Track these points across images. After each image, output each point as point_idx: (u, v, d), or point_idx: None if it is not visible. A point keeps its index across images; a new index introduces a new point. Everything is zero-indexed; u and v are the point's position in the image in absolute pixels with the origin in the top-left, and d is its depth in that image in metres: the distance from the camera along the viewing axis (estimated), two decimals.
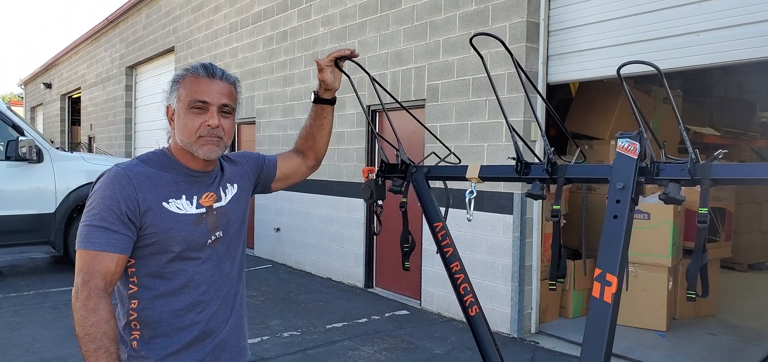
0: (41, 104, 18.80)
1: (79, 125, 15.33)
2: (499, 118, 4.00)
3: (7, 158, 5.25)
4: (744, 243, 5.99)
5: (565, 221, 4.28)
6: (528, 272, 3.94)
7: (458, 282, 1.21)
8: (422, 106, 4.64)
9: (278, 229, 6.45)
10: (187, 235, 1.14)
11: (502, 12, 4.00)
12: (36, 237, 5.45)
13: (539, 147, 3.83)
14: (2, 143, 5.30)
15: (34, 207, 5.38)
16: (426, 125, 4.48)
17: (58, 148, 5.92)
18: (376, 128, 5.07)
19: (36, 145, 5.35)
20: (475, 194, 1.21)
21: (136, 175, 1.12)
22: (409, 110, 1.49)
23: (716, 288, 4.47)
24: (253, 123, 6.93)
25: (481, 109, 4.16)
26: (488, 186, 4.02)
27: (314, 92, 1.37)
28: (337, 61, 1.33)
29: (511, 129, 1.14)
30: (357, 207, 5.27)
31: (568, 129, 5.56)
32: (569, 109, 5.02)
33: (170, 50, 9.25)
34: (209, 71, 1.15)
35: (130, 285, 1.14)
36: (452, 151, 1.38)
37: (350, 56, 1.31)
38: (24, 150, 5.22)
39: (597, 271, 0.93)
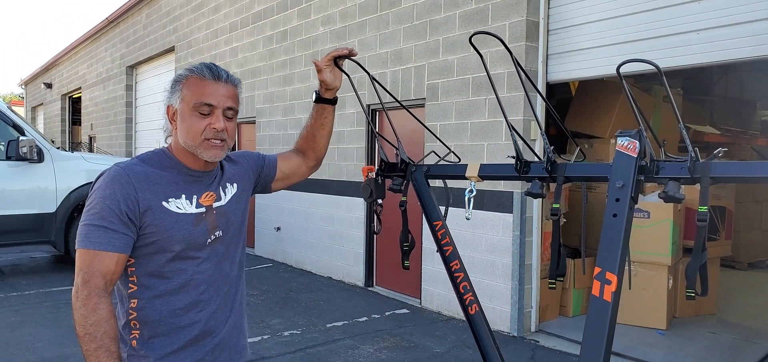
0: (42, 104, 18.81)
1: (80, 125, 15.34)
2: (498, 116, 4.00)
3: (8, 158, 5.25)
4: (744, 242, 5.99)
5: (565, 220, 4.28)
6: (528, 271, 3.95)
7: (458, 281, 1.21)
8: (422, 105, 4.64)
9: (278, 228, 6.46)
10: (187, 235, 1.14)
11: (502, 11, 4.00)
12: (37, 236, 5.46)
13: (539, 146, 3.83)
14: (3, 143, 5.31)
15: (35, 206, 5.39)
16: (426, 124, 4.48)
17: (58, 148, 5.92)
18: (376, 127, 5.07)
19: (37, 145, 5.35)
20: (474, 193, 1.21)
21: (135, 175, 1.12)
22: (409, 109, 1.49)
23: (716, 286, 4.47)
24: (254, 122, 6.93)
25: (480, 108, 4.16)
26: (488, 185, 4.02)
27: (315, 92, 1.37)
28: (337, 61, 1.33)
29: (511, 128, 1.14)
30: (357, 206, 5.28)
31: (567, 128, 5.55)
32: (569, 107, 5.02)
33: (170, 50, 9.25)
34: (214, 73, 1.14)
35: (130, 285, 1.14)
36: (452, 149, 1.38)
37: (349, 55, 1.31)
38: (25, 150, 5.22)
39: (597, 270, 0.93)
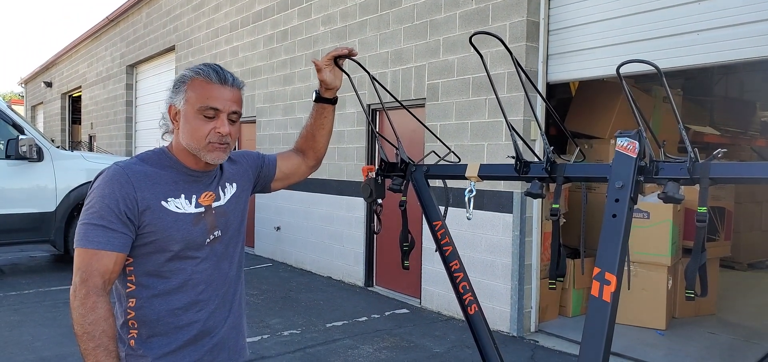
0: (42, 103, 18.80)
1: (80, 124, 15.33)
2: (499, 117, 4.00)
3: (8, 157, 5.25)
4: (744, 242, 5.99)
5: (565, 220, 4.28)
6: (528, 271, 3.95)
7: (457, 281, 1.21)
8: (422, 105, 4.64)
9: (278, 228, 6.46)
10: (186, 234, 1.13)
11: (502, 11, 4.00)
12: (36, 235, 5.46)
13: (539, 146, 3.83)
14: (2, 142, 5.30)
15: (35, 205, 5.39)
16: (426, 124, 4.48)
17: (58, 147, 5.92)
18: (377, 127, 5.07)
19: (36, 144, 5.35)
20: (474, 193, 1.21)
21: (135, 174, 1.12)
22: (409, 109, 1.49)
23: (716, 287, 4.47)
24: (254, 122, 6.93)
25: (481, 108, 4.16)
26: (488, 185, 4.02)
27: (315, 91, 1.37)
28: (337, 60, 1.33)
29: (511, 128, 1.14)
30: (357, 206, 5.28)
31: (568, 128, 5.53)
32: (569, 108, 5.02)
33: (171, 49, 9.25)
34: (221, 77, 1.13)
35: (128, 284, 1.14)
36: (452, 149, 1.38)
37: (349, 55, 1.31)
38: (24, 149, 5.22)
39: (596, 270, 0.93)
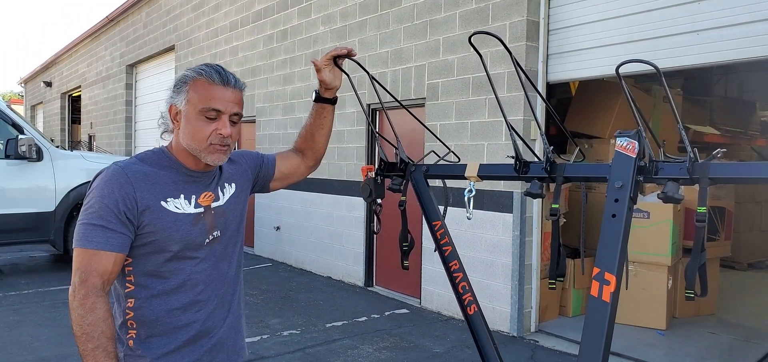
0: (41, 102, 18.80)
1: (80, 124, 15.33)
2: (499, 116, 4.00)
3: (7, 156, 5.25)
4: (744, 242, 5.99)
5: (565, 220, 4.28)
6: (528, 271, 3.94)
7: (457, 281, 1.21)
8: (422, 105, 4.64)
9: (278, 228, 6.45)
10: (185, 235, 1.13)
11: (502, 11, 3.99)
12: (36, 235, 5.45)
13: (539, 146, 3.83)
14: (2, 141, 5.30)
15: (34, 205, 5.38)
16: (426, 124, 4.48)
17: (58, 147, 5.91)
18: (376, 127, 5.07)
19: (36, 144, 5.34)
20: (474, 193, 1.21)
21: (134, 174, 1.12)
22: (409, 109, 1.49)
23: (716, 286, 4.47)
24: (254, 122, 6.92)
25: (481, 108, 4.16)
26: (488, 185, 4.02)
27: (315, 91, 1.37)
28: (336, 60, 1.33)
29: (510, 128, 1.14)
30: (357, 205, 5.27)
31: (568, 128, 5.54)
32: (569, 107, 5.01)
33: (170, 49, 9.25)
34: (224, 78, 1.13)
35: (127, 284, 1.14)
36: (451, 149, 1.38)
37: (348, 55, 1.31)
38: (24, 148, 5.21)
39: (595, 270, 0.93)
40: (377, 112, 5.11)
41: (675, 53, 3.27)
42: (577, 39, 3.80)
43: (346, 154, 5.42)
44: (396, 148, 1.34)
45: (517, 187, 3.89)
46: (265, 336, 3.80)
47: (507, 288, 3.95)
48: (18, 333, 3.79)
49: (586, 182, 1.13)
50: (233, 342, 1.25)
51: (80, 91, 14.67)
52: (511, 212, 3.91)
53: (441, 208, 1.28)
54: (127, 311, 1.14)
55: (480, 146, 4.15)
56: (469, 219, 1.21)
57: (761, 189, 6.22)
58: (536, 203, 3.96)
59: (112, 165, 1.13)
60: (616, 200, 0.93)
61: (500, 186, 3.98)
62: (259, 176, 1.36)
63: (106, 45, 12.46)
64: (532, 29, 3.89)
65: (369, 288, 5.17)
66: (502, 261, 3.98)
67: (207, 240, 1.17)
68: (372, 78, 1.35)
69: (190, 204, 1.15)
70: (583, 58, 3.79)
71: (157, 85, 10.07)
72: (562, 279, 1.10)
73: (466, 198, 1.20)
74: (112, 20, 11.75)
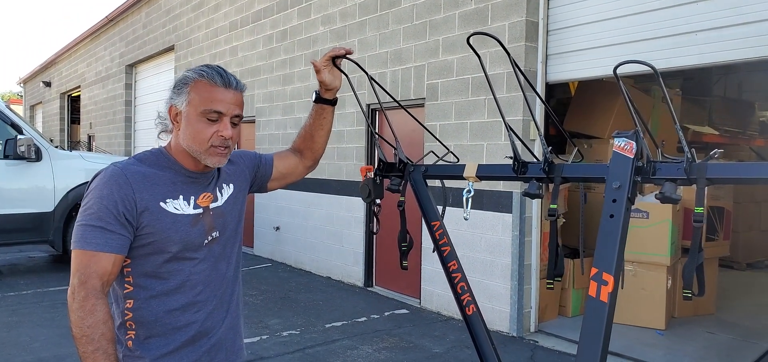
0: (40, 102, 18.78)
1: (79, 124, 15.32)
2: (498, 117, 4.00)
3: (6, 157, 5.24)
4: (743, 242, 6.00)
5: (564, 220, 4.28)
6: (527, 271, 3.95)
7: (455, 281, 1.21)
8: (422, 105, 4.64)
9: (278, 228, 6.45)
10: (184, 236, 1.13)
11: (502, 11, 4.00)
12: (35, 236, 5.44)
13: (538, 146, 3.83)
14: (1, 142, 5.29)
15: (33, 206, 5.37)
16: (426, 124, 4.48)
17: (57, 147, 5.90)
18: (376, 127, 5.08)
19: (35, 144, 5.34)
20: (472, 193, 1.21)
21: (133, 175, 1.11)
22: (408, 109, 1.49)
23: (715, 286, 4.47)
24: (253, 122, 6.92)
25: (480, 108, 4.16)
26: (488, 185, 4.02)
27: (315, 92, 1.37)
28: (335, 60, 1.33)
29: (508, 128, 1.14)
30: (357, 206, 5.27)
31: (567, 128, 5.51)
32: (568, 108, 5.02)
33: (170, 49, 9.24)
34: (225, 80, 1.12)
35: (126, 285, 1.14)
36: (450, 149, 1.38)
37: (346, 55, 1.31)
38: (22, 148, 5.21)
39: (593, 270, 0.93)
40: (377, 113, 5.12)
41: (674, 54, 3.27)
42: (576, 39, 3.81)
43: (346, 154, 5.42)
44: (395, 149, 1.34)
45: (516, 187, 3.89)
46: (264, 337, 3.80)
47: (506, 288, 3.95)
48: (17, 333, 3.79)
49: (585, 182, 1.14)
50: (232, 343, 1.25)
51: (79, 91, 14.66)
52: (511, 212, 3.91)
53: (440, 208, 1.28)
54: (125, 312, 1.14)
55: (479, 146, 4.15)
56: (466, 219, 1.21)
57: (760, 189, 6.22)
58: (536, 203, 3.96)
59: (111, 166, 1.13)
60: (614, 200, 0.94)
61: (500, 186, 3.99)
62: (257, 176, 1.36)
63: (106, 45, 12.45)
64: (532, 30, 3.90)
65: (368, 289, 5.17)
66: (501, 261, 3.98)
67: (206, 241, 1.17)
68: (371, 78, 1.35)
69: (189, 205, 1.15)
70: (582, 59, 3.79)
71: (156, 85, 10.07)
72: (559, 279, 1.10)
73: (464, 199, 1.20)
74: (112, 20, 11.75)
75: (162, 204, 1.12)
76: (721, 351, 3.67)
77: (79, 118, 14.98)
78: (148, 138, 10.41)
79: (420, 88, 4.64)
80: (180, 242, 1.13)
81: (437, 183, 1.35)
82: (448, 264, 1.22)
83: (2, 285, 5.17)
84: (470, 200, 1.20)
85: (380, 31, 5.04)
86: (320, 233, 5.78)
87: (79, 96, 14.91)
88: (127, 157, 1.25)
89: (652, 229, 3.88)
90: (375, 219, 1.38)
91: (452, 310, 4.33)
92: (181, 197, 1.15)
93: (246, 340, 3.63)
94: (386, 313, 4.44)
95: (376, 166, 1.38)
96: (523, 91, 1.14)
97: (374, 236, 5.15)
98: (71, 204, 5.51)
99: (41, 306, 4.47)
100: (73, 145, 15.30)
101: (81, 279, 1.04)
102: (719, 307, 4.48)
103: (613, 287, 0.91)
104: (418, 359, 3.45)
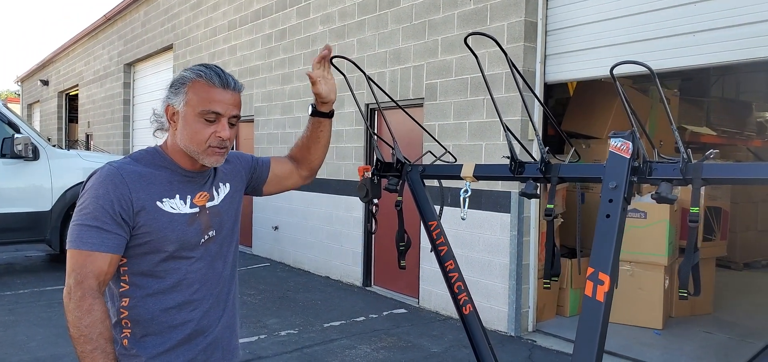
0: (38, 101, 18.73)
1: (77, 122, 15.28)
2: (497, 116, 4.00)
3: (3, 156, 5.23)
4: (740, 242, 6.02)
5: (562, 220, 4.29)
6: (525, 271, 3.95)
7: (452, 281, 1.21)
8: (421, 105, 4.64)
9: (276, 227, 6.45)
10: (181, 235, 1.13)
11: (500, 11, 4.00)
12: (32, 235, 5.43)
13: (536, 146, 3.83)
14: None
15: (30, 205, 5.36)
16: (425, 124, 4.49)
17: (54, 146, 5.89)
18: (375, 127, 5.08)
19: (32, 143, 5.32)
20: (469, 193, 1.21)
21: (129, 174, 1.11)
22: (406, 108, 1.50)
23: (712, 286, 4.49)
24: (252, 121, 6.92)
25: (479, 108, 4.16)
26: (486, 185, 4.02)
27: (312, 105, 1.35)
28: (332, 61, 1.32)
29: (505, 128, 1.14)
30: (356, 205, 5.27)
31: (566, 128, 5.52)
32: (567, 108, 5.03)
33: (169, 48, 9.23)
34: (223, 81, 1.12)
35: (122, 284, 1.14)
36: (448, 149, 1.38)
37: (330, 56, 1.28)
38: (20, 147, 5.19)
39: (590, 270, 0.93)
40: (375, 113, 5.12)
41: (672, 54, 3.28)
42: (574, 40, 3.81)
43: (345, 154, 5.42)
44: (392, 148, 1.34)
45: (514, 187, 3.90)
46: (262, 336, 3.79)
47: (504, 288, 3.96)
48: (13, 332, 3.78)
49: (582, 182, 1.14)
50: (228, 342, 1.25)
51: (77, 90, 14.62)
52: (509, 212, 3.92)
53: (437, 208, 1.28)
54: (121, 310, 1.14)
55: (478, 146, 4.15)
56: (463, 219, 1.21)
57: (757, 189, 6.25)
58: (534, 203, 3.97)
59: (106, 165, 1.13)
60: (611, 200, 0.94)
61: (498, 186, 3.99)
62: (253, 177, 1.36)
63: (104, 44, 12.42)
64: (530, 30, 3.90)
65: (367, 288, 5.17)
66: (499, 260, 3.99)
67: (202, 240, 1.17)
68: (368, 78, 1.35)
69: (185, 204, 1.15)
70: (580, 59, 3.80)
71: (155, 84, 10.05)
72: (556, 279, 1.10)
73: (461, 199, 1.21)
74: (110, 19, 11.72)
75: (158, 203, 1.12)
76: (719, 350, 3.68)
77: (77, 116, 14.94)
78: (147, 137, 10.38)
79: (419, 87, 4.64)
80: (176, 241, 1.13)
81: (435, 182, 1.35)
82: (445, 264, 1.23)
83: None
84: (467, 200, 1.21)
85: (379, 31, 5.04)
86: (319, 233, 5.78)
87: (77, 95, 14.87)
88: (123, 156, 1.25)
89: (649, 229, 3.89)
90: (373, 219, 1.38)
91: (450, 310, 4.33)
92: (177, 196, 1.15)
93: (244, 340, 3.61)
94: (384, 313, 4.44)
95: (373, 166, 1.38)
96: (520, 92, 1.14)
97: (373, 236, 5.15)
98: (69, 203, 5.49)
99: (38, 306, 4.46)
100: (71, 143, 15.26)
101: (77, 279, 1.04)
102: (716, 307, 4.49)
103: (610, 286, 0.91)
104: (417, 358, 3.45)
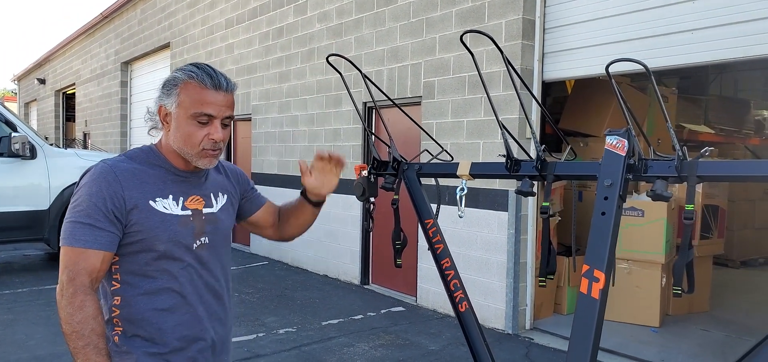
0: (35, 100, 18.67)
1: (74, 121, 15.24)
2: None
3: (0, 154, 5.21)
4: (737, 240, 6.04)
5: (559, 218, 4.29)
6: (523, 269, 3.96)
7: (448, 279, 1.21)
8: (418, 103, 4.64)
9: None
10: (172, 235, 1.13)
11: (498, 9, 4.00)
12: (30, 234, 5.42)
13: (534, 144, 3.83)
14: None
15: (28, 203, 5.35)
16: (422, 122, 4.49)
17: (51, 145, 5.87)
18: (373, 126, 5.07)
19: (29, 142, 5.31)
20: (466, 191, 1.21)
21: (122, 172, 1.11)
22: (404, 107, 1.49)
23: (709, 284, 4.50)
24: (249, 120, 6.91)
25: (477, 107, 4.16)
26: (484, 184, 4.03)
27: (302, 187, 1.32)
28: (329, 59, 1.32)
29: (501, 126, 1.14)
30: (353, 204, 5.27)
31: (564, 126, 5.50)
32: (565, 106, 5.03)
33: (166, 46, 9.20)
34: (215, 82, 1.10)
35: (114, 282, 1.14)
36: (444, 148, 1.38)
37: (340, 161, 1.26)
38: (17, 146, 5.18)
39: (585, 267, 0.94)
40: (373, 111, 5.11)
41: (670, 52, 3.28)
42: (572, 38, 3.81)
43: (343, 152, 5.39)
44: (389, 147, 1.34)
45: (512, 186, 3.90)
46: (260, 334, 3.80)
47: (502, 286, 3.96)
48: (12, 331, 3.77)
49: (578, 180, 1.14)
50: (221, 346, 1.24)
51: (74, 89, 14.57)
52: (507, 210, 3.92)
53: (434, 207, 1.28)
54: (113, 308, 1.14)
55: (476, 145, 4.15)
56: (460, 217, 1.21)
57: (755, 187, 6.26)
58: (531, 201, 3.98)
59: (100, 163, 1.13)
60: (606, 198, 0.94)
61: (495, 184, 3.99)
62: (243, 201, 1.34)
63: (101, 42, 12.38)
64: (528, 28, 3.90)
65: (365, 286, 5.17)
66: (497, 259, 3.99)
67: (195, 245, 1.17)
68: (365, 77, 1.35)
69: (177, 205, 1.15)
70: (578, 57, 3.80)
71: (152, 82, 10.02)
72: (552, 277, 1.10)
73: (457, 197, 1.21)
74: (107, 17, 11.68)
75: (151, 202, 1.12)
76: (716, 348, 3.69)
77: (74, 115, 14.90)
78: (144, 135, 10.16)
79: (416, 86, 4.64)
80: (168, 241, 1.12)
81: (432, 181, 1.35)
82: (442, 262, 1.23)
83: None
84: (464, 198, 1.21)
85: (377, 29, 5.04)
86: (317, 231, 5.78)
87: (74, 93, 14.83)
88: (117, 154, 1.24)
89: (647, 227, 3.90)
90: (370, 218, 1.38)
91: (448, 308, 4.34)
92: (170, 196, 1.15)
93: (242, 338, 3.61)
94: (382, 311, 4.44)
95: (370, 164, 1.38)
96: (516, 90, 1.14)
97: (371, 234, 5.16)
98: (66, 202, 5.43)
99: (37, 304, 4.45)
100: (68, 142, 15.22)
101: (70, 275, 1.04)
102: (713, 305, 4.51)
103: (605, 284, 0.91)
104: (414, 356, 3.46)
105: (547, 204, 1.06)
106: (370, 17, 5.12)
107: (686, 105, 6.24)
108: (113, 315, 1.14)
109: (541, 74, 3.96)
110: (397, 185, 1.33)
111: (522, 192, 1.10)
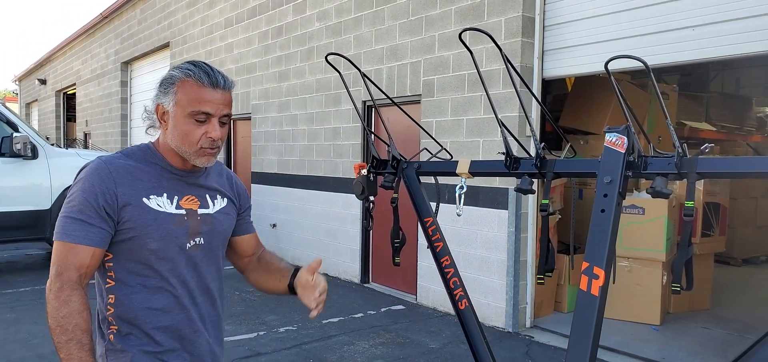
0: (36, 100, 18.69)
1: (75, 121, 15.26)
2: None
3: (2, 155, 5.22)
4: (739, 238, 6.02)
5: (560, 216, 4.29)
6: (523, 267, 3.96)
7: (448, 277, 1.21)
8: (418, 102, 4.64)
9: (274, 225, 6.45)
10: (165, 234, 1.12)
11: (498, 7, 3.99)
12: (32, 233, 5.44)
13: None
14: None
15: (30, 203, 5.36)
16: (422, 120, 4.48)
17: (52, 145, 5.88)
18: (372, 124, 5.07)
19: (30, 142, 5.32)
20: (465, 189, 1.21)
21: (116, 169, 1.11)
22: (403, 105, 1.49)
23: (710, 282, 4.49)
24: (249, 119, 6.91)
25: (476, 105, 4.16)
26: (484, 182, 4.02)
27: (295, 268, 1.27)
28: (327, 58, 1.31)
29: (500, 124, 1.14)
30: (353, 203, 5.27)
31: (564, 124, 5.49)
32: (565, 103, 5.02)
33: (165, 46, 9.20)
34: (213, 80, 1.09)
35: (108, 280, 1.14)
36: (444, 146, 1.38)
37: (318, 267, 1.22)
38: (19, 146, 5.19)
39: (584, 264, 0.93)
40: (373, 110, 5.11)
41: (671, 49, 3.27)
42: (572, 35, 3.80)
43: (342, 151, 5.41)
44: (388, 145, 1.34)
45: (512, 184, 3.90)
46: (261, 333, 3.80)
47: (502, 284, 3.96)
48: (15, 330, 3.78)
49: (578, 178, 1.14)
50: (213, 347, 1.24)
51: (75, 89, 14.59)
52: (507, 208, 3.92)
53: (433, 205, 1.28)
54: (108, 306, 1.14)
55: (476, 143, 4.15)
56: (459, 215, 1.21)
57: (757, 185, 6.25)
58: (532, 199, 3.97)
59: (96, 159, 1.13)
60: (605, 195, 0.94)
61: (495, 182, 3.99)
62: (237, 219, 1.30)
63: (101, 42, 12.39)
64: (528, 25, 3.89)
65: (365, 285, 5.18)
66: (497, 257, 3.99)
67: (188, 245, 1.16)
68: (364, 76, 1.35)
69: (171, 204, 1.15)
70: (578, 55, 3.79)
71: (152, 82, 9.99)
72: (550, 274, 1.10)
73: (457, 195, 1.20)
74: (106, 17, 11.68)
75: (145, 199, 1.11)
76: (716, 346, 3.69)
77: (75, 115, 14.92)
78: (145, 135, 10.36)
79: (416, 84, 4.63)
80: (160, 239, 1.12)
81: (431, 179, 1.35)
82: (441, 260, 1.23)
83: (0, 283, 5.16)
84: (463, 196, 1.20)
85: (376, 27, 5.03)
86: (317, 230, 5.78)
87: (74, 93, 14.84)
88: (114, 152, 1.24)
89: (648, 225, 3.90)
90: (369, 216, 1.38)
91: (448, 306, 4.34)
92: (165, 195, 1.14)
93: (242, 336, 3.62)
94: (383, 309, 4.45)
95: (369, 163, 1.38)
96: (515, 88, 1.14)
97: (371, 233, 5.15)
98: None
99: (39, 304, 4.46)
100: (69, 142, 15.24)
101: (58, 270, 1.05)
102: (714, 303, 4.50)
103: (604, 281, 0.91)
104: (414, 354, 3.46)
105: (547, 201, 1.05)
106: (369, 15, 5.11)
107: (687, 102, 6.23)
108: (108, 313, 1.14)
109: (540, 72, 3.95)
110: (397, 184, 1.33)
111: (522, 190, 1.09)
